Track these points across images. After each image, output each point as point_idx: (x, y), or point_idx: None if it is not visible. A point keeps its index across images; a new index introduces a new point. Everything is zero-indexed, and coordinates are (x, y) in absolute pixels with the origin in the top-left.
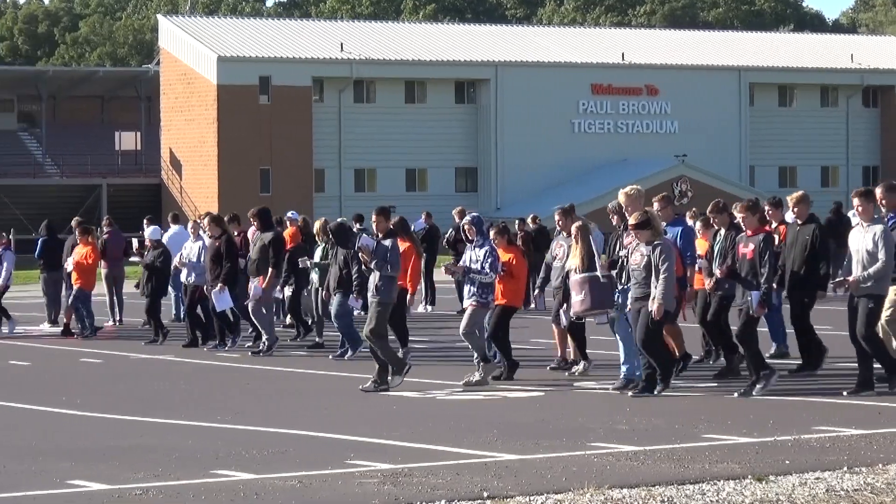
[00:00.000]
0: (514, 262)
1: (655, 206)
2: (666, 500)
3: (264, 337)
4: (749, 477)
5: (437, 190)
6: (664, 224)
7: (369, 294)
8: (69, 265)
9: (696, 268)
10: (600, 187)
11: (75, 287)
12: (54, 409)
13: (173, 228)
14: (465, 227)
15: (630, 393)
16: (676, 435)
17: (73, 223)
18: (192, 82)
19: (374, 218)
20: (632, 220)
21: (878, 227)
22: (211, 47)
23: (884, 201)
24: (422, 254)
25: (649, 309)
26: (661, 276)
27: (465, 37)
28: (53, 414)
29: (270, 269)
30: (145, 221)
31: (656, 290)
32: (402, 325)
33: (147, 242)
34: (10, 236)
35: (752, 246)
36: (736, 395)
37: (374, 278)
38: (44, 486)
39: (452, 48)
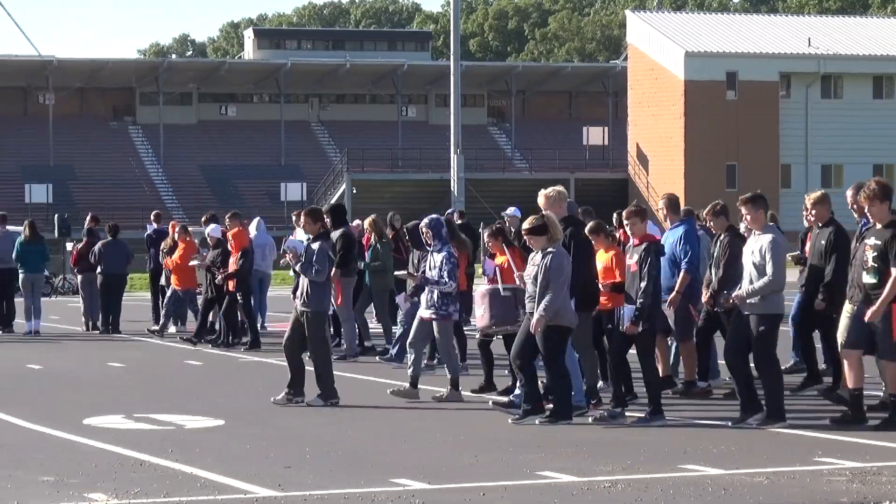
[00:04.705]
0: (507, 266)
1: None
2: None
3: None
4: None
5: None
6: None
7: (298, 302)
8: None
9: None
10: None
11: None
12: None
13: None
14: (423, 229)
15: (537, 421)
16: None
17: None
18: (659, 77)
19: (302, 220)
20: (525, 224)
21: (767, 238)
22: (678, 43)
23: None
24: (472, 260)
25: (531, 322)
26: (550, 289)
27: None
28: None
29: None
30: (203, 219)
31: (541, 302)
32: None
33: (208, 241)
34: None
35: (636, 257)
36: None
37: (303, 284)
38: (513, 477)
39: None
